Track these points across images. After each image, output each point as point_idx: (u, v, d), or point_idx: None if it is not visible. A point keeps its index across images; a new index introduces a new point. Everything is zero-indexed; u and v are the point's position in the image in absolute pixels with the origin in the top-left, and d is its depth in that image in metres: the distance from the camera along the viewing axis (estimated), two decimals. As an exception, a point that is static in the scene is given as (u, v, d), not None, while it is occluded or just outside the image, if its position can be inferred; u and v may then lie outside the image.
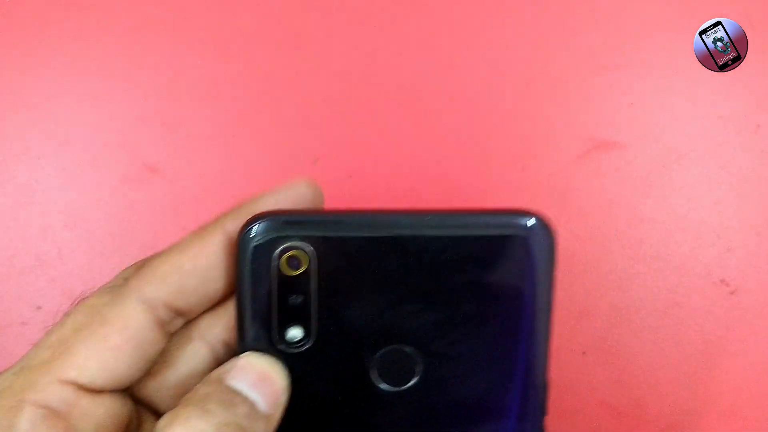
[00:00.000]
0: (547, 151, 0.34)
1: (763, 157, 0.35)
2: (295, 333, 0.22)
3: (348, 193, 0.34)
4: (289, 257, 0.22)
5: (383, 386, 0.23)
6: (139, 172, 0.34)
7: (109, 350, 0.21)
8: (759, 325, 0.35)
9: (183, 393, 0.22)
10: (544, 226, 0.22)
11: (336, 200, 0.34)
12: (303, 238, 0.22)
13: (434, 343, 0.23)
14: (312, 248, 0.22)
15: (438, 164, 0.34)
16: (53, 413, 0.20)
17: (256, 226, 0.22)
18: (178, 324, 0.23)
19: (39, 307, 0.33)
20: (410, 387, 0.23)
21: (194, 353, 0.23)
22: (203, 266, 0.22)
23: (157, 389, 0.23)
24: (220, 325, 0.23)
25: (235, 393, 0.21)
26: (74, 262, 0.34)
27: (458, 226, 0.22)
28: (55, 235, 0.33)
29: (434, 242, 0.22)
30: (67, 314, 0.22)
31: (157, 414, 0.23)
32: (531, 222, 0.22)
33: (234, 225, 0.22)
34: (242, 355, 0.22)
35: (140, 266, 0.23)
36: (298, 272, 0.22)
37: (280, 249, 0.22)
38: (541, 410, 0.24)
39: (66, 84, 0.34)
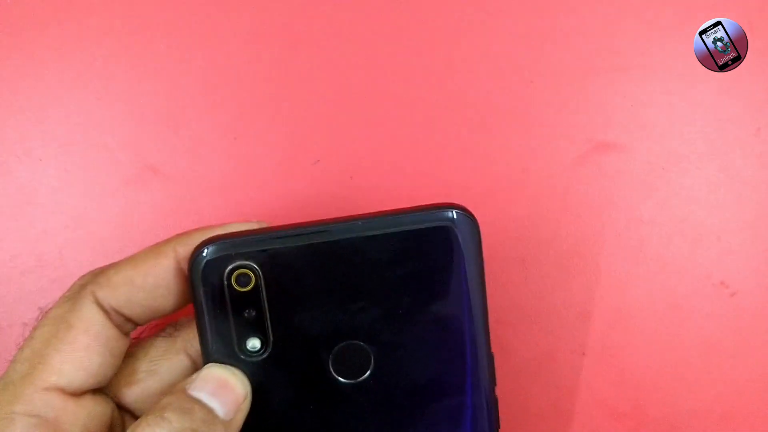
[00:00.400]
0: (547, 152, 0.35)
1: (762, 160, 0.35)
2: (254, 343, 0.24)
3: (349, 194, 0.34)
4: (238, 275, 0.24)
5: (341, 380, 0.25)
6: (141, 174, 0.34)
7: (79, 351, 0.23)
8: (759, 327, 0.35)
9: None
10: (466, 216, 0.24)
11: (336, 201, 0.35)
12: (248, 257, 0.24)
13: (382, 334, 0.25)
14: (258, 265, 0.24)
15: (438, 165, 0.35)
16: (43, 421, 0.22)
17: (206, 249, 0.24)
18: (130, 327, 0.25)
19: (40, 308, 0.34)
20: (366, 378, 0.25)
21: (177, 364, 0.26)
22: (151, 284, 0.24)
23: (140, 395, 0.25)
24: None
25: (194, 401, 0.23)
26: (75, 264, 0.34)
27: (388, 225, 0.24)
28: (56, 236, 0.34)
29: (368, 242, 0.24)
30: (34, 328, 0.24)
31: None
32: (454, 214, 0.24)
33: (185, 249, 0.24)
34: (205, 366, 0.24)
35: (96, 274, 0.25)
36: (248, 288, 0.24)
37: (228, 269, 0.24)
38: (491, 381, 0.26)
39: (67, 85, 0.34)
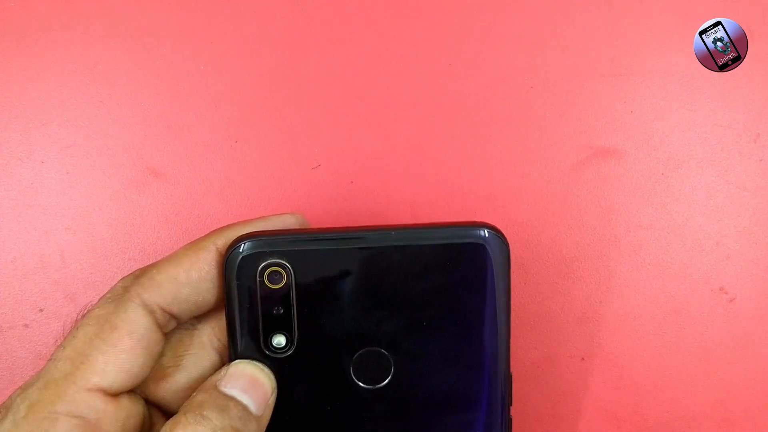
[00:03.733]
0: (546, 158, 0.35)
1: (762, 166, 0.35)
2: (279, 340, 0.25)
3: (349, 199, 0.34)
4: (271, 273, 0.25)
5: (360, 385, 0.25)
6: (142, 176, 0.34)
7: (122, 353, 0.23)
8: (758, 332, 0.35)
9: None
10: (497, 236, 0.25)
11: (337, 205, 0.35)
12: (282, 255, 0.24)
13: (405, 344, 0.25)
14: (290, 264, 0.25)
15: (438, 170, 0.35)
16: (86, 422, 0.22)
17: (242, 245, 0.24)
18: (172, 325, 0.25)
19: (41, 310, 0.34)
20: (385, 385, 0.26)
21: (203, 358, 0.26)
22: (195, 278, 0.24)
23: (169, 391, 0.26)
24: (226, 334, 0.26)
25: (229, 398, 0.23)
26: (77, 265, 0.34)
27: (420, 237, 0.25)
28: (57, 238, 0.34)
29: (399, 253, 0.25)
30: (75, 327, 0.24)
31: (168, 415, 0.25)
32: (486, 233, 0.25)
33: (224, 243, 0.25)
34: (233, 362, 0.25)
35: (138, 275, 0.25)
36: (279, 286, 0.25)
37: (262, 265, 0.24)
38: (506, 400, 0.26)
39: (70, 88, 0.34)
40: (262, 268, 0.24)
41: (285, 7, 0.35)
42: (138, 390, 0.25)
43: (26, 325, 0.34)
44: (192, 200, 0.34)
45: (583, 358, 0.35)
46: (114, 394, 0.23)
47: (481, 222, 0.25)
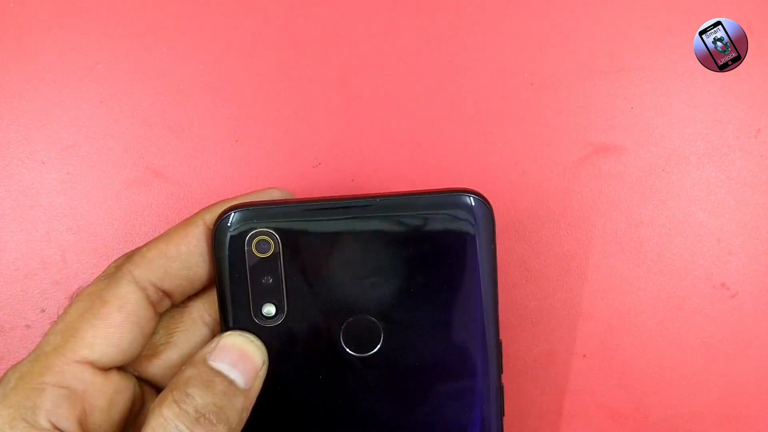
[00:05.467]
0: (546, 154, 0.35)
1: (762, 162, 0.35)
2: (269, 309, 0.25)
3: (349, 197, 0.34)
4: (259, 242, 0.25)
5: (350, 353, 0.26)
6: (143, 176, 0.34)
7: (112, 327, 0.23)
8: (760, 328, 0.35)
9: None
10: (482, 201, 0.25)
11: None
12: (270, 224, 0.25)
13: (394, 311, 0.25)
14: (278, 233, 0.25)
15: (438, 167, 0.35)
16: (72, 393, 0.22)
17: (230, 215, 0.25)
18: (166, 305, 0.25)
19: (43, 310, 0.34)
20: (375, 353, 0.26)
21: (194, 334, 0.26)
22: (185, 252, 0.25)
23: (161, 368, 0.26)
24: (215, 309, 0.26)
25: (215, 373, 0.23)
26: (78, 266, 0.34)
27: (406, 204, 0.25)
28: (59, 238, 0.34)
29: (385, 220, 0.25)
30: (69, 304, 0.24)
31: (160, 392, 0.25)
32: (471, 199, 0.25)
33: (212, 216, 0.25)
34: (224, 334, 0.25)
35: (130, 255, 0.25)
36: (267, 255, 0.25)
37: (250, 234, 0.25)
38: (498, 367, 0.26)
39: (70, 88, 0.34)
40: (249, 237, 0.25)
41: (284, 6, 0.35)
42: (130, 368, 0.25)
43: (28, 326, 0.34)
44: (193, 200, 0.34)
45: (584, 355, 0.35)
46: (103, 369, 0.23)
47: (465, 188, 0.25)
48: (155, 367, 0.26)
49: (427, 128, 0.35)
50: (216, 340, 0.24)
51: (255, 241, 0.25)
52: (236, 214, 0.25)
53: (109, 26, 0.34)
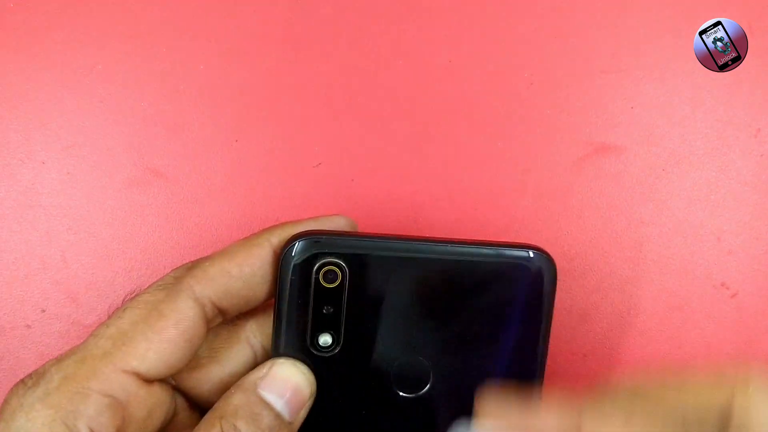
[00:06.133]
0: (547, 154, 0.35)
1: (762, 161, 0.35)
2: (326, 339, 0.25)
3: (350, 197, 0.34)
4: (327, 271, 0.25)
5: (398, 392, 0.26)
6: (143, 176, 0.34)
7: (165, 342, 0.23)
8: (760, 327, 0.35)
9: (223, 388, 0.25)
10: (549, 260, 0.26)
11: (338, 203, 0.35)
12: (340, 256, 0.25)
13: (447, 357, 0.26)
14: (347, 264, 0.25)
15: (439, 167, 0.35)
16: (115, 402, 0.22)
17: (300, 242, 0.25)
18: (218, 321, 0.25)
19: (43, 311, 0.34)
20: (422, 394, 0.26)
21: (239, 353, 0.26)
22: (248, 273, 0.25)
23: (200, 382, 0.26)
24: (263, 332, 0.26)
25: (264, 404, 0.23)
26: (78, 266, 0.34)
27: (475, 254, 0.25)
28: (59, 238, 0.34)
29: (454, 267, 0.25)
30: (123, 308, 0.24)
31: (191, 402, 0.26)
32: (539, 255, 0.25)
33: (278, 240, 0.25)
34: (277, 361, 0.25)
35: (191, 267, 0.25)
36: (333, 285, 0.25)
37: (319, 263, 0.25)
38: None
39: (70, 88, 0.34)
40: (319, 266, 0.25)
41: (285, 6, 0.35)
42: (170, 378, 0.25)
43: (28, 326, 0.34)
44: (193, 200, 0.34)
45: (585, 355, 0.35)
46: (148, 380, 0.23)
47: (534, 245, 0.26)
48: (194, 381, 0.25)
49: (428, 128, 0.35)
50: (268, 365, 0.24)
51: (324, 270, 0.25)
52: (307, 241, 0.25)
53: (109, 26, 0.34)
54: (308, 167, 0.34)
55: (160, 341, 0.23)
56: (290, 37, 0.35)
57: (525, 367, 0.26)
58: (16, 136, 0.34)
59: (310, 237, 0.25)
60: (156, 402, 0.24)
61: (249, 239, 0.25)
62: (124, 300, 0.25)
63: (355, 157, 0.35)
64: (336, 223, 0.27)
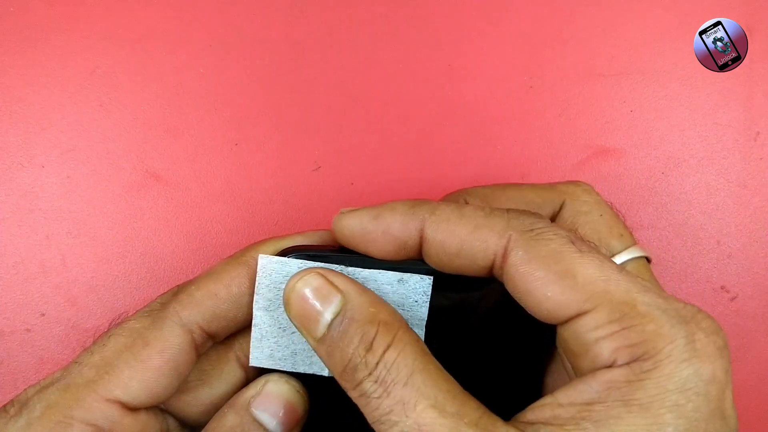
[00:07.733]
0: (546, 157, 0.35)
1: (761, 164, 0.35)
2: None
3: (350, 201, 0.34)
4: None
5: None
6: (143, 180, 0.34)
7: (150, 371, 0.23)
8: (759, 330, 0.35)
9: (213, 410, 0.24)
10: None
11: (338, 207, 0.35)
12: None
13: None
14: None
15: (438, 171, 0.35)
16: (99, 431, 0.22)
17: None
18: (208, 345, 0.25)
19: (43, 314, 0.34)
20: None
21: (229, 374, 0.25)
22: (236, 293, 0.24)
23: (189, 405, 0.25)
24: None
25: (257, 425, 0.23)
26: (78, 270, 0.34)
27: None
28: (59, 242, 0.34)
29: (440, 280, 0.24)
30: (107, 335, 0.23)
31: (182, 423, 0.25)
32: None
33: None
34: (270, 378, 0.24)
35: (176, 292, 0.24)
36: None
37: None
38: None
39: (70, 92, 0.34)
40: None
41: (284, 10, 0.35)
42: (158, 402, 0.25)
43: (28, 330, 0.34)
44: (193, 203, 0.34)
45: (584, 358, 0.35)
46: (133, 409, 0.23)
47: None
48: (184, 404, 0.25)
49: (427, 131, 0.35)
50: (261, 383, 0.24)
51: None
52: (297, 256, 0.24)
53: (109, 30, 0.34)
54: (307, 171, 0.34)
55: (144, 370, 0.22)
56: (290, 42, 0.35)
57: (528, 384, 0.25)
58: (16, 140, 0.34)
59: (300, 252, 0.24)
60: (142, 428, 0.23)
61: (234, 257, 0.25)
62: (109, 326, 0.24)
63: (354, 161, 0.35)
64: (323, 237, 0.26)
